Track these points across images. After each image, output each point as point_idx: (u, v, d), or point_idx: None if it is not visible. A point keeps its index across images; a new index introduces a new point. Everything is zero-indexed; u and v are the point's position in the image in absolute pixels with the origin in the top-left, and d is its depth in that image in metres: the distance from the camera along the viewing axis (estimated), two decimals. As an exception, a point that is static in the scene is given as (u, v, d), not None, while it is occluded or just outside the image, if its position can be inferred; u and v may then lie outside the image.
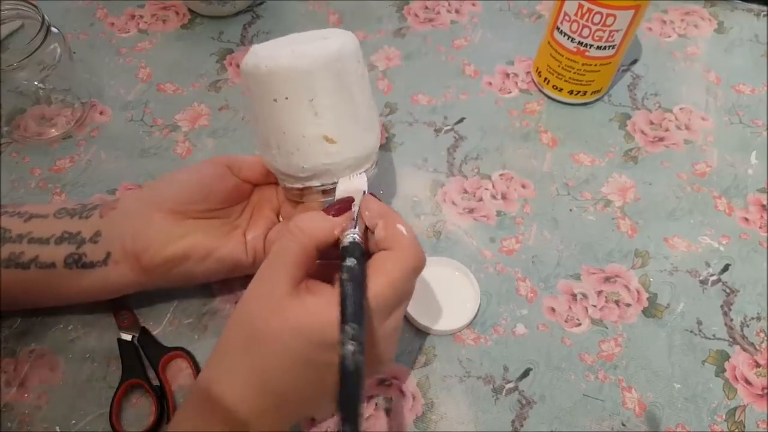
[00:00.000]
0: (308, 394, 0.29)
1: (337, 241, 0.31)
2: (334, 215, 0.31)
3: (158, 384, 0.37)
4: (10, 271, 0.35)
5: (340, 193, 0.34)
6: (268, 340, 0.28)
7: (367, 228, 0.32)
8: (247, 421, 0.28)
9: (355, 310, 0.26)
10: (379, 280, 0.28)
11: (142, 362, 0.38)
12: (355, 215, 0.32)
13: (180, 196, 0.36)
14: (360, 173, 0.35)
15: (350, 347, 0.25)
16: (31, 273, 0.35)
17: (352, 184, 0.35)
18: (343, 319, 0.26)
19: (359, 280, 0.28)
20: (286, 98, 0.33)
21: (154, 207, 0.36)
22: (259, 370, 0.28)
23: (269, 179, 0.39)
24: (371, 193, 0.34)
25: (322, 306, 0.28)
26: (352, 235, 0.30)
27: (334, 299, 0.27)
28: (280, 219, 0.40)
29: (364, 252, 0.30)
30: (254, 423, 0.29)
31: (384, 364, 0.31)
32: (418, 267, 0.30)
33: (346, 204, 0.32)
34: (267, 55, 0.33)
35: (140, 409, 0.36)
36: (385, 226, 0.31)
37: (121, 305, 0.39)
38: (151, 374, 0.37)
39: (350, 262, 0.28)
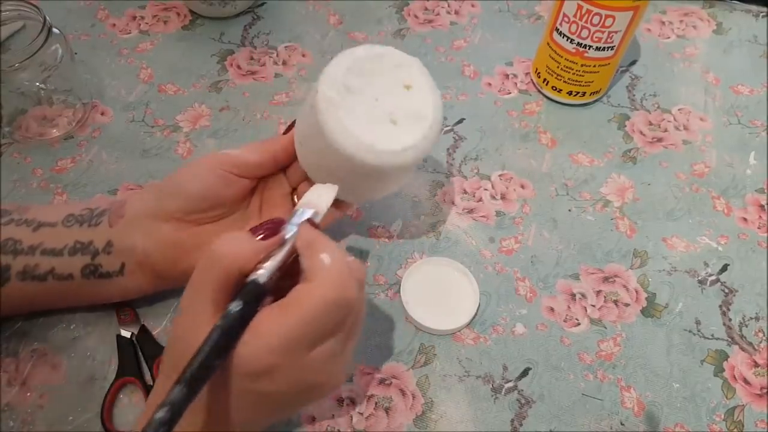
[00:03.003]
0: (247, 427, 0.29)
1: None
2: (261, 239, 0.29)
3: (152, 384, 0.37)
4: (26, 283, 0.35)
5: (302, 203, 0.32)
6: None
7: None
8: None
9: (195, 370, 0.24)
10: (290, 315, 0.27)
11: (139, 360, 0.38)
12: (288, 238, 0.29)
13: (186, 208, 0.36)
14: (330, 188, 0.34)
15: (159, 414, 0.23)
16: (49, 284, 0.35)
17: (319, 198, 0.33)
18: (179, 376, 0.24)
19: (228, 330, 0.26)
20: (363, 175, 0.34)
21: (162, 218, 0.36)
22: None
23: (276, 168, 0.38)
24: (308, 219, 0.31)
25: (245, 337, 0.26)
26: (262, 271, 0.28)
27: (257, 323, 0.26)
28: (296, 200, 0.40)
29: (265, 294, 0.28)
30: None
31: (323, 389, 0.31)
32: (341, 299, 0.27)
33: (274, 227, 0.30)
34: (368, 142, 0.32)
35: (137, 408, 0.36)
36: (309, 255, 0.28)
37: (123, 302, 0.39)
38: (149, 374, 0.37)
39: (234, 306, 0.26)
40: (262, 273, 0.28)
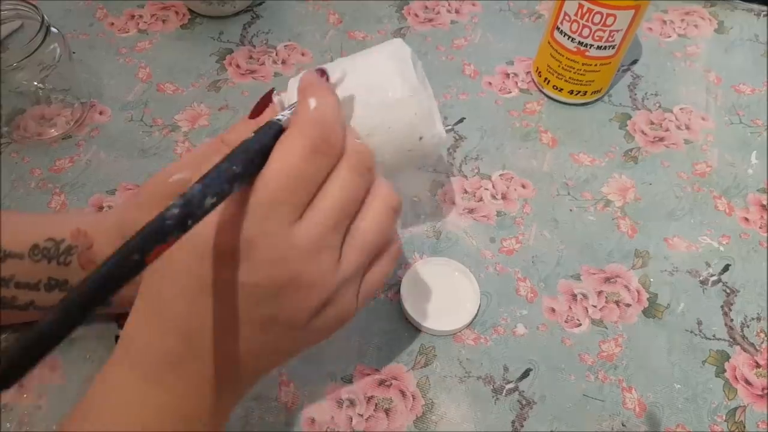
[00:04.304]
0: (215, 333, 0.24)
1: None
2: (252, 117, 0.27)
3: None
4: (8, 311, 0.34)
5: (291, 87, 0.30)
6: (170, 267, 0.23)
7: None
8: (160, 373, 0.24)
9: (213, 172, 0.21)
10: (270, 163, 0.23)
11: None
12: (291, 107, 0.26)
13: None
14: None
15: (173, 210, 0.20)
16: (32, 313, 0.35)
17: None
18: (200, 179, 0.21)
19: (247, 152, 0.22)
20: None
21: None
22: (161, 306, 0.24)
23: None
24: (320, 69, 0.28)
25: (217, 210, 0.22)
26: (278, 117, 0.25)
27: (230, 201, 0.22)
28: None
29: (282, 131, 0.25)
30: (168, 377, 0.24)
31: (311, 303, 0.24)
32: (320, 146, 0.23)
33: (264, 101, 0.28)
34: (439, 127, 0.35)
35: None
36: (299, 100, 0.25)
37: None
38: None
39: (251, 135, 0.23)
40: (278, 118, 0.25)
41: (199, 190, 0.20)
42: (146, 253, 0.19)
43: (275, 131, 0.24)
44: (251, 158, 0.23)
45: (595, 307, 0.42)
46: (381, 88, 0.33)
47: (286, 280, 0.23)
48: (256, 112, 0.28)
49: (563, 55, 0.48)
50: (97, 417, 0.25)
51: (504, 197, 0.47)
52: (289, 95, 0.32)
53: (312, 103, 0.24)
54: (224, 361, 0.25)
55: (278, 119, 0.25)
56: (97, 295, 0.18)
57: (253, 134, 0.24)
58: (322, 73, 0.28)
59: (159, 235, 0.19)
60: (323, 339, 0.28)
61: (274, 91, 0.29)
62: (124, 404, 0.25)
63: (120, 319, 0.39)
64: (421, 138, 0.34)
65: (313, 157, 0.23)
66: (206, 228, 0.22)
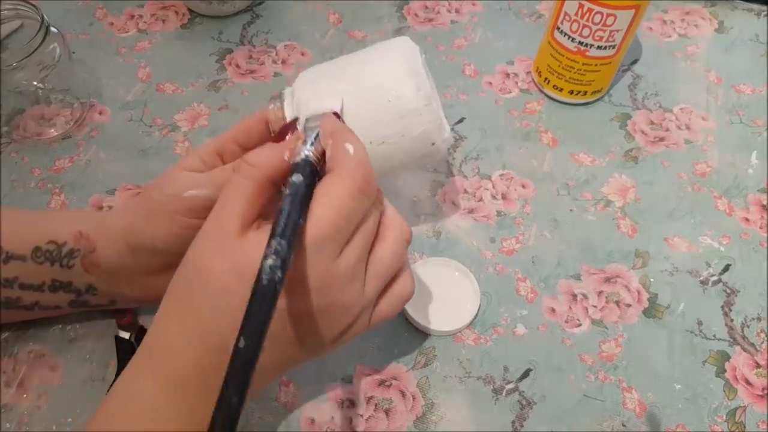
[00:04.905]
0: None
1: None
2: (276, 141, 0.28)
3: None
4: (13, 311, 0.34)
5: (308, 113, 0.32)
6: (208, 284, 0.25)
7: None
8: (187, 381, 0.25)
9: (286, 225, 0.23)
10: (321, 203, 0.25)
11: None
12: (312, 137, 0.28)
13: (163, 263, 0.33)
14: (336, 97, 0.32)
15: (269, 261, 0.22)
16: (37, 312, 0.35)
17: (323, 105, 0.32)
18: (271, 235, 0.23)
19: (301, 198, 0.24)
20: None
21: (143, 272, 0.34)
22: (198, 319, 0.25)
23: None
24: (335, 113, 0.31)
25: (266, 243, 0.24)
26: (305, 152, 0.27)
27: None
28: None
29: (318, 173, 0.27)
30: (195, 384, 0.26)
31: (343, 323, 0.27)
32: (365, 189, 0.26)
33: (290, 126, 0.29)
34: (448, 131, 0.36)
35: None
36: (333, 145, 0.27)
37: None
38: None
39: (295, 177, 0.25)
40: (308, 154, 0.26)
41: (286, 247, 0.22)
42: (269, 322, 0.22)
43: (311, 170, 0.26)
44: (306, 203, 0.25)
45: (595, 307, 0.41)
46: (396, 97, 0.33)
47: (324, 306, 0.26)
48: (280, 137, 0.29)
49: (563, 55, 0.48)
50: (121, 423, 0.26)
51: (504, 197, 0.47)
52: (287, 106, 0.33)
53: (350, 148, 0.27)
54: None
55: (308, 156, 0.27)
56: (246, 383, 0.21)
57: (296, 176, 0.25)
58: (337, 116, 0.31)
59: (274, 299, 0.22)
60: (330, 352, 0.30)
61: (282, 92, 0.31)
62: (149, 411, 0.26)
63: (117, 317, 0.39)
64: (433, 144, 0.34)
65: (359, 198, 0.26)
66: (256, 254, 0.23)
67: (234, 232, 0.25)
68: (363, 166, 0.26)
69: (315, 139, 0.28)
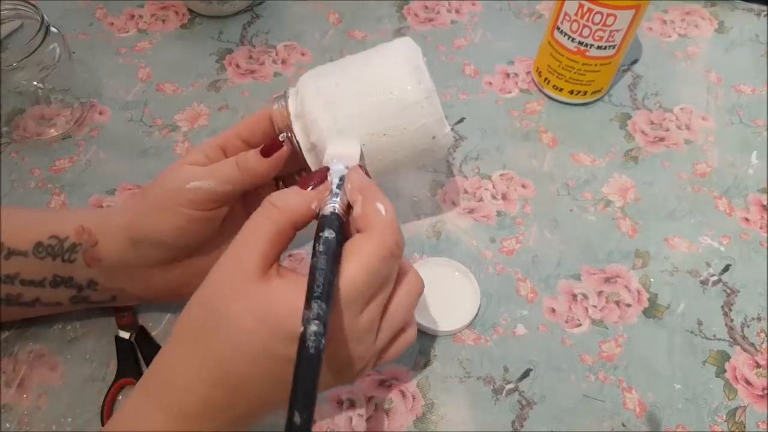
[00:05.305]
0: (266, 392, 0.26)
1: (315, 218, 0.28)
2: (310, 188, 0.28)
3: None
4: (14, 308, 0.34)
5: (329, 157, 0.32)
6: (227, 325, 0.25)
7: (349, 204, 0.29)
8: (194, 416, 0.26)
9: (325, 287, 0.23)
10: (353, 263, 0.25)
11: (138, 361, 0.37)
12: (336, 187, 0.29)
13: (166, 256, 0.34)
14: (353, 141, 0.33)
15: (314, 327, 0.22)
16: (38, 309, 0.35)
17: (343, 150, 0.32)
18: (309, 296, 0.23)
19: (334, 255, 0.25)
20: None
21: (144, 265, 0.34)
22: (213, 358, 0.25)
23: (256, 185, 0.34)
24: (360, 165, 0.31)
25: (291, 292, 0.25)
26: (332, 205, 0.27)
27: (304, 287, 0.24)
28: (281, 184, 0.38)
29: (343, 229, 0.27)
30: (202, 420, 0.26)
31: (353, 371, 0.28)
32: (395, 252, 0.27)
33: (321, 175, 0.29)
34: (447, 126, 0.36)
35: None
36: (363, 203, 0.27)
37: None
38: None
39: (328, 233, 0.25)
40: (335, 206, 0.27)
41: (325, 309, 0.23)
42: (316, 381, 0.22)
43: (339, 223, 0.27)
44: (337, 259, 0.25)
45: (595, 307, 0.41)
46: (397, 90, 0.33)
47: (341, 356, 0.27)
48: (308, 183, 0.29)
49: (563, 55, 0.48)
50: None
51: (504, 197, 0.47)
52: (291, 105, 0.33)
53: (381, 209, 0.27)
54: (256, 407, 0.27)
55: (336, 209, 0.27)
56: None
57: (327, 232, 0.26)
58: (362, 167, 0.31)
59: (319, 366, 0.22)
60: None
61: (286, 91, 0.31)
62: None
63: (117, 317, 0.39)
64: (434, 137, 0.35)
65: (389, 260, 0.27)
66: (281, 304, 0.24)
67: (255, 274, 0.25)
68: (394, 229, 0.27)
69: (340, 189, 0.29)
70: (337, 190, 0.28)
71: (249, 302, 0.25)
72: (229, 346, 0.25)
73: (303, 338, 0.22)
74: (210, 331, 0.26)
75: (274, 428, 0.36)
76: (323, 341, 0.22)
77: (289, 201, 0.27)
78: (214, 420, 0.26)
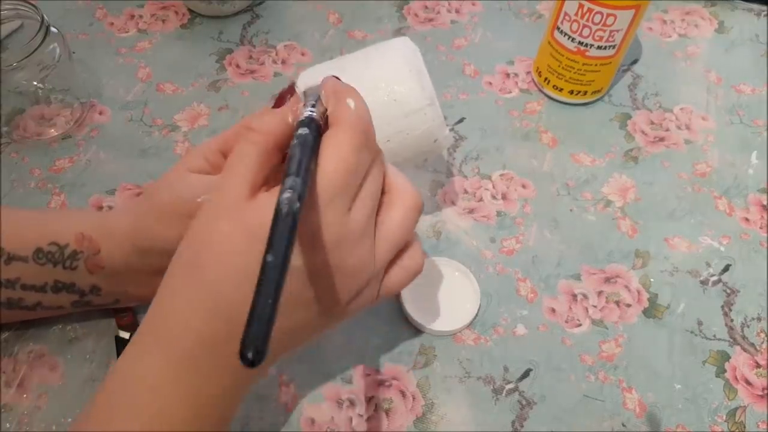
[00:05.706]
0: None
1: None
2: (276, 107, 0.28)
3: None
4: (15, 311, 0.34)
5: (302, 84, 0.31)
6: (217, 247, 0.24)
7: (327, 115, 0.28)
8: (193, 354, 0.24)
9: (299, 166, 0.22)
10: (326, 156, 0.24)
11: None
12: (314, 98, 0.28)
13: (171, 252, 0.32)
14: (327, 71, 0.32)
15: (286, 194, 0.21)
16: (39, 312, 0.35)
17: (316, 72, 0.32)
18: (285, 174, 0.22)
19: (310, 148, 0.24)
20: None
21: (150, 273, 0.33)
22: (206, 287, 0.24)
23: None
24: (333, 76, 0.30)
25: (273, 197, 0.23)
26: (308, 112, 0.26)
27: None
28: None
29: (322, 132, 0.26)
30: (203, 359, 0.24)
31: (361, 278, 0.26)
32: (366, 142, 0.26)
33: (288, 90, 0.29)
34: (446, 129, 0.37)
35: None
36: (336, 102, 0.27)
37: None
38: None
39: (302, 131, 0.24)
40: (312, 113, 0.26)
41: (301, 184, 0.21)
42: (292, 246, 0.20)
43: (316, 126, 0.25)
44: (314, 155, 0.24)
45: (595, 307, 0.41)
46: (401, 97, 0.33)
47: (337, 263, 0.25)
48: (280, 101, 0.28)
49: (563, 55, 0.48)
50: (125, 403, 0.25)
51: (504, 197, 0.47)
52: (300, 87, 0.33)
53: (351, 103, 0.26)
54: None
55: (312, 114, 0.26)
56: (276, 297, 0.19)
57: (302, 130, 0.24)
58: (337, 79, 0.30)
59: (294, 227, 0.20)
60: (343, 321, 0.29)
61: (295, 84, 0.31)
62: (153, 389, 0.25)
63: (117, 317, 0.39)
64: (435, 140, 0.35)
65: (361, 152, 0.25)
66: (268, 214, 0.21)
67: (242, 197, 0.24)
68: (363, 119, 0.26)
69: (317, 100, 0.27)
70: (314, 102, 0.27)
71: (238, 221, 0.24)
72: (220, 269, 0.24)
73: (276, 206, 0.21)
74: (199, 260, 0.24)
75: (274, 428, 0.36)
76: (297, 205, 0.21)
77: (265, 120, 0.26)
78: (214, 356, 0.24)
